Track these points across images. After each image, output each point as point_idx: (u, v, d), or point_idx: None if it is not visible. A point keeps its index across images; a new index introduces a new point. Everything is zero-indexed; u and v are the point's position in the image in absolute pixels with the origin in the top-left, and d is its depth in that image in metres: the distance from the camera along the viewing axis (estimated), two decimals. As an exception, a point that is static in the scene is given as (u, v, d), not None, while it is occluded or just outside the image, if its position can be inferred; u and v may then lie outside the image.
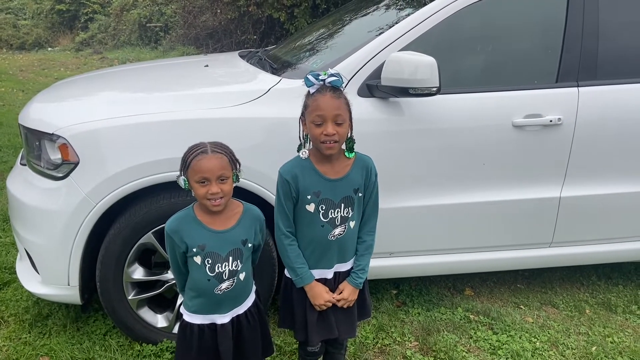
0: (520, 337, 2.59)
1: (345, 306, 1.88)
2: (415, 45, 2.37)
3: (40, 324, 2.59)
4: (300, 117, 1.79)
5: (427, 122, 2.39)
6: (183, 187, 1.68)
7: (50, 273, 2.31)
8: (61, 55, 14.14)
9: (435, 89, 2.19)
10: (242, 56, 3.33)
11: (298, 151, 1.82)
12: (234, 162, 1.69)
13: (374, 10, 3.10)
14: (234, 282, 1.73)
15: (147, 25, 13.42)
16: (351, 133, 1.78)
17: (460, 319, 2.71)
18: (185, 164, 1.65)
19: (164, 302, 2.50)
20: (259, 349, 1.88)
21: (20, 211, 2.36)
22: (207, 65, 2.96)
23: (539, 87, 2.51)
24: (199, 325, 1.77)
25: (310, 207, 1.77)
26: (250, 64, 3.00)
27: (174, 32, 12.79)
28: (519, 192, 2.54)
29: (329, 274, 1.87)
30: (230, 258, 1.70)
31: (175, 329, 2.43)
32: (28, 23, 16.33)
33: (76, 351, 2.38)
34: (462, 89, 2.46)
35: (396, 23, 2.49)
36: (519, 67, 2.57)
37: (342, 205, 1.78)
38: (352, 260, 1.90)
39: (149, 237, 2.28)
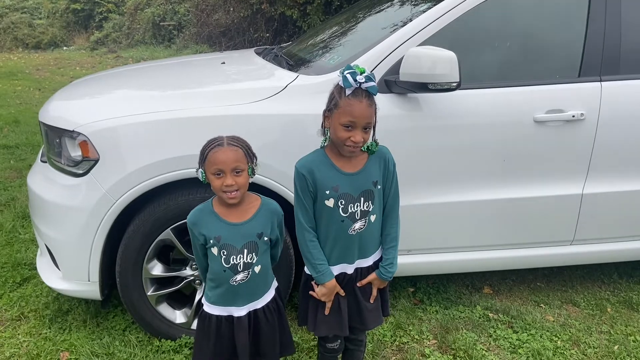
0: (541, 336, 2.56)
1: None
2: (434, 41, 2.33)
3: (61, 319, 2.61)
4: (324, 111, 1.74)
5: (446, 118, 2.37)
6: (201, 180, 1.70)
7: (71, 269, 2.33)
8: (76, 54, 14.29)
9: (455, 84, 2.16)
10: (258, 53, 3.32)
11: (322, 148, 1.80)
12: (250, 155, 1.71)
13: (388, 7, 3.07)
14: (249, 274, 1.74)
15: (161, 24, 13.50)
16: (374, 135, 1.75)
17: (479, 317, 2.68)
18: (203, 157, 1.68)
19: (182, 299, 2.50)
20: (277, 346, 1.87)
21: (41, 207, 2.38)
22: (223, 63, 2.96)
23: (561, 82, 2.47)
24: (217, 316, 1.78)
25: (330, 202, 1.75)
26: (267, 60, 3.00)
27: (187, 30, 12.86)
28: (540, 189, 2.50)
29: (349, 269, 1.85)
30: (245, 250, 1.71)
31: (194, 325, 2.44)
32: (43, 22, 16.51)
33: (96, 346, 2.39)
34: (482, 84, 2.43)
35: (413, 18, 2.47)
36: (541, 62, 2.52)
37: (362, 199, 1.76)
38: (374, 256, 1.88)
39: (167, 234, 2.29)
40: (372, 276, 1.88)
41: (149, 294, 2.36)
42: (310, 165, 1.75)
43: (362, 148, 1.76)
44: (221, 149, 1.65)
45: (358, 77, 1.64)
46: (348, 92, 1.65)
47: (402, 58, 2.23)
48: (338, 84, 1.70)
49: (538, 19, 2.55)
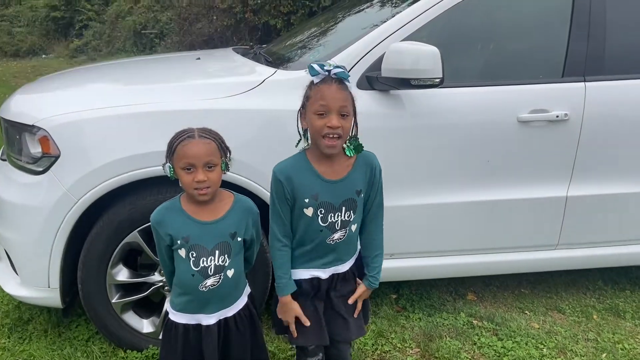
0: (526, 344, 2.46)
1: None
2: (417, 37, 2.27)
3: (21, 328, 2.45)
4: (299, 110, 1.64)
5: (428, 117, 2.29)
6: (169, 176, 1.56)
7: (30, 274, 2.18)
8: (55, 62, 14.04)
9: (438, 79, 2.09)
10: (236, 51, 3.22)
11: (297, 147, 1.68)
12: (223, 149, 1.58)
13: (367, 8, 3.01)
14: (220, 278, 1.59)
15: (142, 32, 13.35)
16: (356, 132, 1.64)
17: (463, 325, 2.58)
18: (171, 150, 1.54)
19: (150, 306, 2.36)
20: (248, 357, 1.74)
21: (-2, 208, 2.23)
22: (199, 58, 2.86)
23: (545, 81, 2.42)
24: (184, 325, 1.64)
25: (309, 211, 1.62)
26: (245, 58, 2.90)
27: (169, 38, 12.71)
28: (524, 191, 2.42)
29: (324, 274, 1.73)
30: (217, 252, 1.57)
31: (160, 335, 2.30)
32: (23, 30, 16.24)
33: (56, 357, 2.24)
34: (466, 82, 2.37)
35: (394, 16, 2.40)
36: (525, 61, 2.48)
37: (343, 208, 1.64)
38: (350, 261, 1.76)
39: (134, 236, 2.16)
40: (361, 289, 1.77)
41: (113, 301, 2.22)
42: (288, 171, 1.62)
43: (346, 149, 1.63)
44: (192, 142, 1.51)
45: (325, 67, 1.55)
46: (316, 80, 1.56)
47: (384, 54, 2.16)
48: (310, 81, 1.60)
49: (522, 18, 2.51)
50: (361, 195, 1.67)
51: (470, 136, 2.33)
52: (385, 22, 2.38)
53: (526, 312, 2.76)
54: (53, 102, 2.21)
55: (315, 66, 1.55)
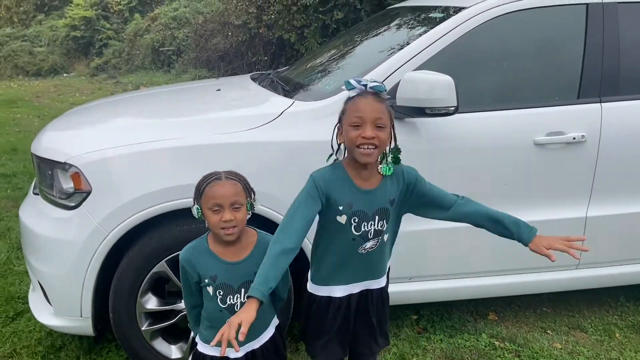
0: (549, 365, 2.48)
1: None
2: (431, 65, 2.32)
3: (53, 356, 2.53)
4: (336, 125, 1.68)
5: (444, 142, 2.33)
6: (197, 217, 1.63)
7: (63, 304, 2.26)
8: (76, 81, 14.37)
9: (453, 108, 2.13)
10: (253, 79, 3.30)
11: (327, 161, 1.71)
12: (248, 190, 1.65)
13: (384, 31, 3.06)
14: None
15: (160, 49, 13.60)
16: (395, 143, 1.66)
17: (485, 346, 2.60)
18: (199, 192, 1.61)
19: (177, 333, 2.42)
20: None
21: (32, 241, 2.32)
22: (219, 90, 2.94)
23: (561, 103, 2.44)
24: (211, 356, 1.70)
25: (342, 219, 1.65)
26: (262, 86, 2.97)
27: (186, 55, 12.93)
28: (543, 213, 2.44)
29: (355, 288, 1.75)
30: (243, 290, 1.63)
31: (190, 360, 2.36)
32: (44, 50, 16.65)
33: (89, 385, 2.32)
34: (481, 107, 2.40)
35: (409, 42, 2.45)
36: (539, 84, 2.50)
37: (377, 217, 1.67)
38: (384, 278, 1.79)
39: (162, 266, 2.23)
40: (539, 240, 1.76)
41: (143, 328, 2.29)
42: (327, 177, 1.65)
43: (383, 166, 1.65)
44: (219, 183, 1.59)
45: (362, 82, 1.60)
46: (353, 93, 1.61)
47: (398, 82, 2.21)
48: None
49: (535, 41, 2.53)
50: (394, 204, 1.70)
51: (487, 160, 2.36)
52: (400, 49, 2.44)
53: (548, 331, 2.77)
54: (83, 139, 2.30)
55: (352, 81, 1.61)
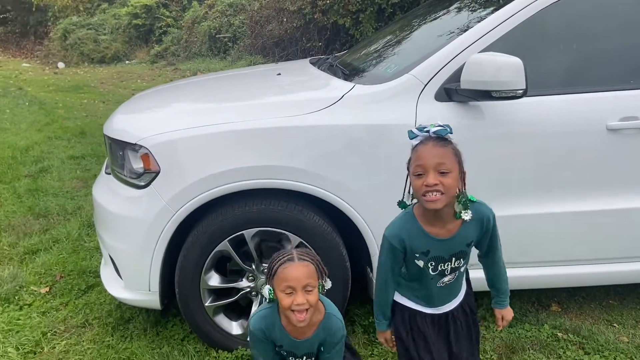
0: (614, 358, 2.38)
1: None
2: (497, 46, 2.24)
3: (123, 327, 2.67)
4: (407, 174, 1.63)
5: (510, 127, 2.26)
6: (268, 298, 1.66)
7: (133, 278, 2.38)
8: (137, 68, 14.92)
9: (521, 91, 2.06)
10: (313, 63, 3.32)
11: (399, 206, 1.68)
12: (320, 271, 1.65)
13: (444, 15, 2.99)
14: None
15: (217, 36, 13.87)
16: (464, 188, 1.60)
17: (547, 337, 2.53)
18: (271, 272, 1.62)
19: (239, 310, 2.51)
20: None
21: (105, 218, 2.45)
22: (279, 74, 2.97)
23: (636, 87, 2.31)
24: None
25: (419, 263, 1.66)
26: (322, 70, 2.98)
27: (241, 42, 13.13)
28: (614, 201, 2.33)
29: (438, 310, 1.76)
30: (305, 357, 1.76)
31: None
32: (107, 38, 17.36)
33: (156, 355, 2.43)
34: (550, 90, 2.31)
35: (472, 25, 2.38)
36: (613, 66, 2.38)
37: (453, 259, 1.66)
38: (459, 296, 1.79)
39: (224, 245, 2.30)
40: (500, 312, 1.86)
41: (206, 304, 2.38)
42: (399, 233, 1.63)
43: (456, 213, 1.60)
44: (292, 265, 1.58)
45: (425, 128, 1.55)
46: (415, 142, 1.57)
47: (463, 65, 2.16)
48: None
49: (610, 21, 2.40)
50: (471, 245, 1.68)
51: (556, 146, 2.28)
52: (464, 31, 2.38)
53: (614, 324, 2.66)
54: (152, 121, 2.39)
55: (414, 129, 1.57)
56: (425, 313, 1.75)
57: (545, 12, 2.29)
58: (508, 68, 2.04)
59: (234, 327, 2.45)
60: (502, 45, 2.24)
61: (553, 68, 2.38)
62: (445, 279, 1.69)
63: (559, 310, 2.78)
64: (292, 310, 1.58)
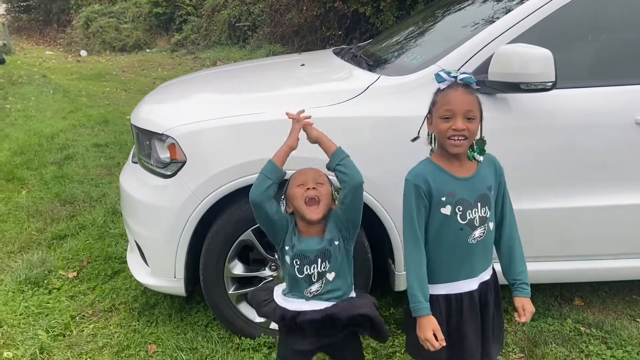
0: (638, 354, 2.36)
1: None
2: (527, 38, 2.21)
3: (148, 312, 2.73)
4: (426, 116, 1.70)
5: (538, 119, 2.24)
6: (283, 208, 1.78)
7: (159, 265, 2.43)
8: (158, 56, 15.03)
9: (550, 83, 2.04)
10: (336, 53, 3.31)
11: (413, 140, 1.75)
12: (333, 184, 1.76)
13: (469, 4, 2.95)
14: (322, 283, 1.74)
15: (236, 24, 13.88)
16: (482, 134, 1.66)
17: (570, 331, 2.52)
18: (286, 186, 1.77)
19: (262, 298, 2.54)
20: None
21: (132, 206, 2.50)
22: (303, 65, 2.97)
23: (668, 79, 2.27)
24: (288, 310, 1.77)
25: (446, 210, 1.65)
26: (345, 60, 2.97)
27: (261, 30, 13.13)
28: (642, 196, 2.30)
29: (474, 284, 1.72)
30: (319, 260, 1.72)
31: (272, 325, 2.47)
32: (128, 26, 17.49)
33: (181, 341, 2.48)
34: (579, 83, 2.28)
35: (498, 16, 2.35)
36: (644, 58, 2.33)
37: (479, 204, 1.66)
38: (491, 268, 1.77)
39: (248, 235, 2.33)
40: (520, 302, 1.73)
41: (230, 292, 2.42)
42: (424, 174, 1.66)
43: (469, 154, 1.66)
44: (304, 169, 1.75)
45: (452, 73, 1.62)
46: (443, 86, 1.62)
47: (491, 56, 2.14)
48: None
49: (641, 12, 2.35)
50: (492, 191, 1.69)
51: (585, 139, 2.25)
52: (490, 22, 2.35)
53: (638, 320, 2.63)
54: (179, 112, 2.42)
55: (442, 73, 1.63)
56: (465, 293, 1.70)
57: (574, 3, 2.25)
58: (537, 60, 2.01)
59: (257, 315, 2.49)
60: (531, 36, 2.21)
61: (582, 60, 2.34)
62: (476, 233, 1.66)
63: (582, 304, 2.77)
64: (306, 204, 1.69)
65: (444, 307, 1.70)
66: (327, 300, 1.75)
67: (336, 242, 1.73)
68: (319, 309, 1.73)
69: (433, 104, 1.66)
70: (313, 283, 1.72)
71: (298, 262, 1.72)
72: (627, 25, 2.35)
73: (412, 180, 1.66)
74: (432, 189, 1.64)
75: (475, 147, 1.67)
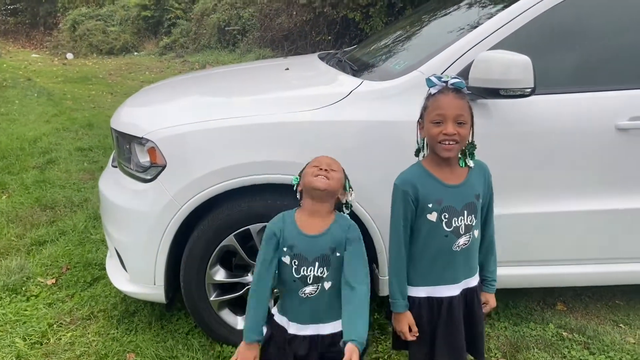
0: (620, 359, 2.37)
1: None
2: (507, 44, 2.22)
3: (127, 320, 2.69)
4: (417, 121, 1.72)
5: (518, 125, 2.24)
6: (294, 184, 1.79)
7: (138, 272, 2.39)
8: (146, 59, 14.93)
9: (529, 89, 2.04)
10: (321, 58, 3.30)
11: (416, 155, 1.76)
12: (347, 184, 1.77)
13: (454, 11, 2.96)
14: (318, 288, 1.69)
15: (226, 28, 13.85)
16: (472, 138, 1.69)
17: (552, 336, 2.52)
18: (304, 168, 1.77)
19: (244, 305, 2.50)
20: None
21: (111, 211, 2.46)
22: (287, 69, 2.96)
23: (647, 86, 2.28)
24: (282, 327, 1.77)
25: (432, 216, 1.67)
26: (330, 65, 2.97)
27: (250, 34, 13.12)
28: (622, 201, 2.31)
29: (455, 290, 1.74)
30: (317, 264, 1.67)
31: (254, 332, 2.44)
32: (116, 29, 17.38)
33: (160, 349, 2.44)
34: (559, 89, 2.28)
35: (481, 22, 2.36)
36: (623, 65, 2.34)
37: (465, 212, 1.68)
38: (477, 275, 1.79)
39: (230, 240, 2.30)
40: (485, 296, 1.87)
41: (211, 299, 2.39)
42: (412, 180, 1.68)
43: (460, 160, 1.68)
44: (322, 156, 1.77)
45: (443, 78, 1.63)
46: (434, 90, 1.64)
47: (471, 62, 2.14)
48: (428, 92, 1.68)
49: (621, 19, 2.37)
50: (480, 199, 1.71)
51: (564, 145, 2.26)
52: (473, 28, 2.35)
53: (621, 325, 2.64)
54: (159, 115, 2.39)
55: (433, 78, 1.65)
56: (445, 298, 1.73)
57: (554, 10, 2.27)
58: (516, 66, 2.02)
59: (239, 322, 2.46)
60: (511, 43, 2.22)
61: (562, 66, 2.35)
62: (461, 241, 1.68)
63: (565, 309, 2.77)
64: (313, 189, 1.66)
65: (425, 308, 1.75)
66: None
67: (338, 254, 1.69)
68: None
69: (424, 108, 1.67)
70: (308, 285, 1.68)
71: (296, 263, 1.68)
72: (607, 32, 2.37)
73: (400, 185, 1.69)
74: (420, 195, 1.66)
75: (466, 152, 1.69)
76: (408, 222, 1.69)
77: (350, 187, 1.77)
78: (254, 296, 1.74)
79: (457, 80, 1.64)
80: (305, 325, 1.73)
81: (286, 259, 1.69)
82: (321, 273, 1.68)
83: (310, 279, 1.68)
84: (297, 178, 1.77)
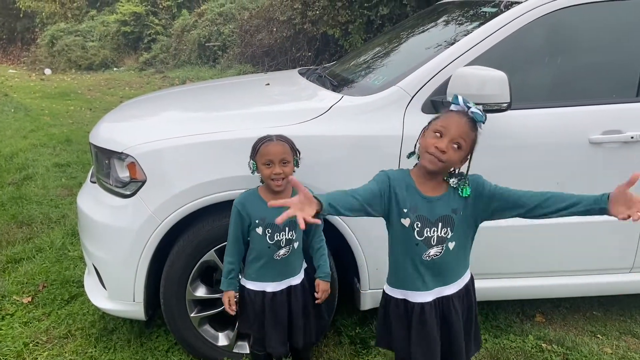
0: (598, 370, 2.41)
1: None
2: (483, 60, 2.27)
3: (106, 338, 2.64)
4: (424, 127, 1.71)
5: (495, 139, 2.28)
6: (251, 170, 2.00)
7: (117, 289, 2.36)
8: (126, 75, 14.84)
9: (505, 104, 2.09)
10: (301, 73, 3.33)
11: (407, 157, 1.77)
12: (294, 150, 2.02)
13: (432, 28, 3.03)
14: (289, 249, 2.04)
15: (206, 44, 13.88)
16: (468, 168, 1.70)
17: (532, 348, 2.55)
18: (255, 150, 1.99)
19: (225, 321, 2.48)
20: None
21: (89, 227, 2.43)
22: (268, 84, 2.98)
23: (618, 101, 2.36)
24: (255, 291, 2.09)
25: (406, 222, 1.68)
26: (310, 81, 3.00)
27: (231, 50, 13.15)
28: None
29: (427, 296, 1.74)
30: (287, 228, 2.01)
31: (236, 348, 2.42)
32: (95, 45, 17.26)
33: (139, 367, 2.40)
34: (534, 104, 2.35)
35: (459, 39, 2.42)
36: (596, 81, 2.42)
37: (440, 224, 1.68)
38: (457, 283, 1.78)
39: (211, 255, 2.29)
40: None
41: (192, 315, 2.36)
42: (396, 176, 1.70)
43: (460, 189, 1.67)
44: (271, 143, 1.97)
45: (469, 103, 1.64)
46: (453, 108, 1.65)
47: (449, 78, 2.18)
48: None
49: (592, 37, 2.45)
50: (459, 213, 1.69)
51: (539, 158, 2.31)
52: (451, 44, 2.41)
53: (598, 335, 2.69)
54: (139, 130, 2.38)
55: (460, 98, 1.66)
56: (416, 303, 1.74)
57: (529, 27, 2.34)
58: (493, 82, 2.07)
59: (220, 338, 2.44)
60: (487, 59, 2.28)
61: (537, 82, 2.42)
62: (432, 252, 1.69)
63: (544, 321, 2.81)
64: (272, 180, 1.95)
65: (402, 308, 1.77)
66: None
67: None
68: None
69: (435, 118, 1.69)
70: (281, 248, 2.02)
71: (269, 231, 2.00)
72: (580, 49, 2.44)
73: (387, 172, 1.71)
74: (399, 196, 1.68)
75: (459, 183, 1.68)
76: (376, 186, 1.67)
77: (297, 152, 2.02)
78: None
79: (478, 112, 1.63)
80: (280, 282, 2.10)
81: (259, 230, 2.00)
82: (291, 236, 2.03)
83: (283, 242, 2.03)
84: (254, 164, 2.00)
